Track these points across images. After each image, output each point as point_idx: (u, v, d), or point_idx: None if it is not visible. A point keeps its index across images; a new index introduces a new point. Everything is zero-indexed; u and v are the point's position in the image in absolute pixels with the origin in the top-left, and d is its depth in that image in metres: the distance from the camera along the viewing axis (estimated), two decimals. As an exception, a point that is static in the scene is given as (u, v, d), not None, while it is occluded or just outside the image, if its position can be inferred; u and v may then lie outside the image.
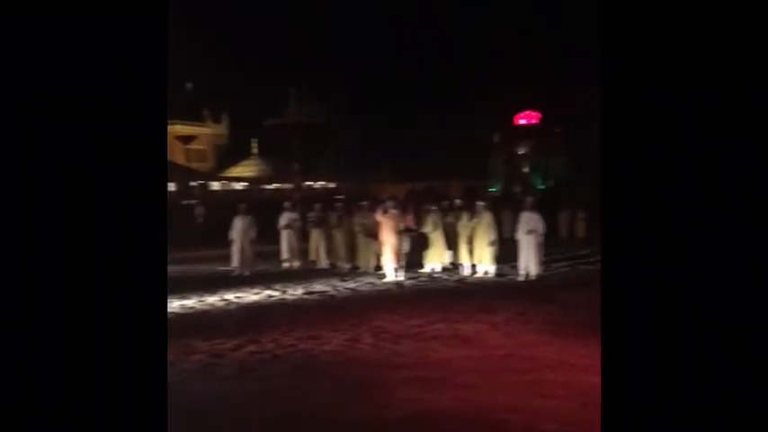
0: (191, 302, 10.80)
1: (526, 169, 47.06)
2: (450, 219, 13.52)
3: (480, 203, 13.36)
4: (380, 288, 11.72)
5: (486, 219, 12.80)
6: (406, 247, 13.52)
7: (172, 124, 49.51)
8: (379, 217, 12.93)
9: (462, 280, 12.47)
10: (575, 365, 6.05)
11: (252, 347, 7.31)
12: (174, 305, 10.60)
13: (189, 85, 53.20)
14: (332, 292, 11.35)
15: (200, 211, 27.35)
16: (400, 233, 12.77)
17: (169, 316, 9.79)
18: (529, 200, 13.03)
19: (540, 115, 47.80)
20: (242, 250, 14.17)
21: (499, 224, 13.49)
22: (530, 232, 12.05)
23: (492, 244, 12.58)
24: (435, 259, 13.66)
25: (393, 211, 12.86)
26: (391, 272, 12.57)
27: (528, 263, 12.10)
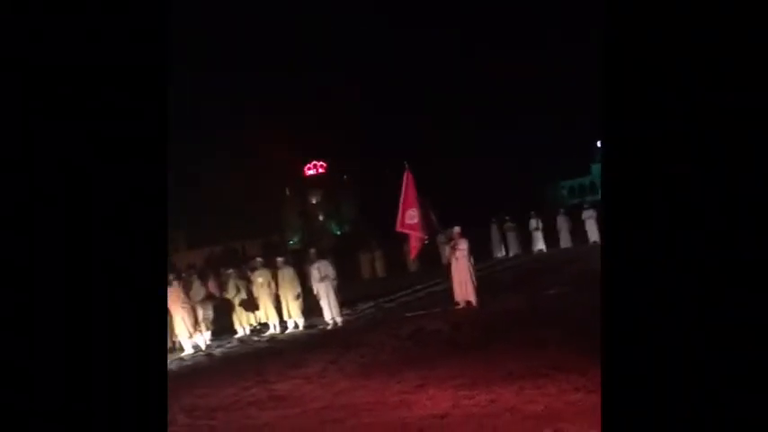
0: None
1: (321, 218, 48.06)
2: (253, 278, 13.41)
3: (280, 259, 13.45)
4: (189, 363, 11.29)
5: (289, 273, 12.89)
6: (210, 314, 13.20)
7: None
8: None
9: (273, 338, 12.39)
10: (388, 403, 6.27)
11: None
12: None
13: None
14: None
15: None
16: (188, 303, 12.50)
17: None
18: (312, 251, 13.53)
19: (326, 164, 49.24)
20: None
21: (302, 276, 13.64)
22: (323, 279, 12.32)
23: (298, 297, 12.68)
24: (243, 322, 13.46)
25: (174, 284, 12.57)
26: (188, 344, 12.23)
27: (331, 310, 12.34)
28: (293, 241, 41.61)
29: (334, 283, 12.45)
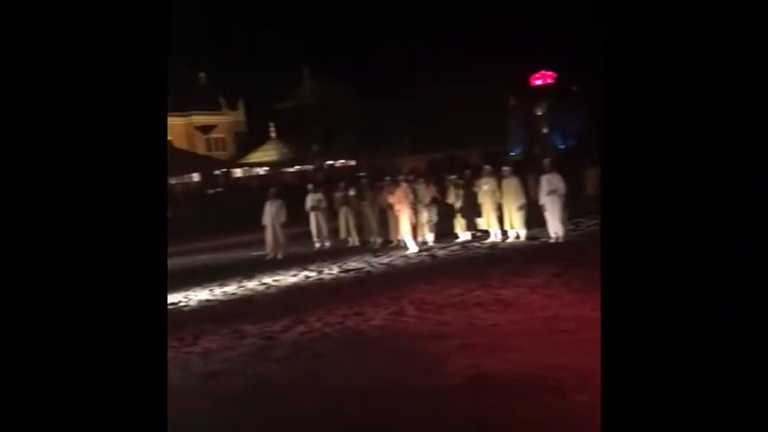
0: (231, 288, 11.04)
1: (545, 130, 46.74)
2: (479, 186, 13.55)
3: (506, 168, 13.41)
4: (414, 261, 11.87)
5: (514, 183, 12.86)
6: (434, 217, 13.69)
7: (189, 115, 49.88)
8: (390, 191, 13.25)
9: (494, 246, 12.57)
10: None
11: (300, 328, 7.52)
12: (216, 292, 10.86)
13: (202, 75, 53.28)
14: (367, 269, 11.53)
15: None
16: (417, 204, 12.99)
17: (214, 303, 10.06)
18: (546, 161, 13.05)
19: (555, 75, 47.33)
20: (274, 234, 14.40)
21: (525, 187, 13.53)
22: (550, 193, 12.08)
23: (521, 208, 12.65)
24: (464, 228, 13.77)
25: (404, 185, 13.05)
26: (412, 243, 12.77)
27: (554, 224, 12.16)
28: (515, 153, 41.14)
29: (563, 197, 12.22)
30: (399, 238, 13.32)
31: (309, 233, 15.48)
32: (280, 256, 14.18)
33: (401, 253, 12.80)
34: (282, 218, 14.40)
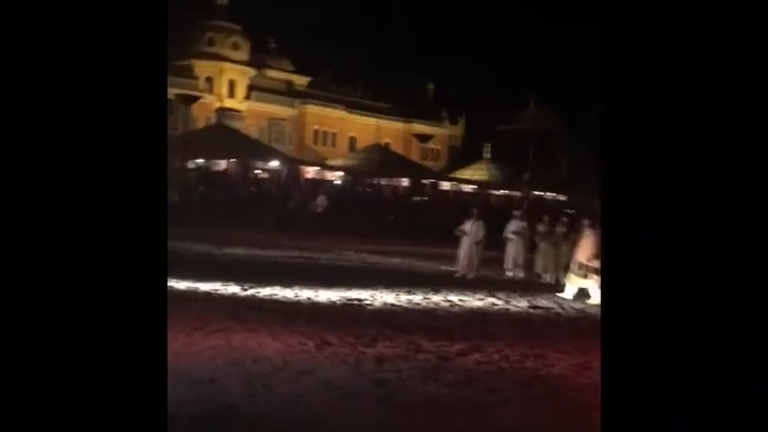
0: (417, 298, 11.03)
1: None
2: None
3: None
4: (610, 313, 11.08)
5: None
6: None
7: (410, 122, 51.56)
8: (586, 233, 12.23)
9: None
10: None
11: (477, 356, 7.26)
12: (402, 298, 10.90)
13: (430, 86, 54.79)
14: (557, 310, 10.97)
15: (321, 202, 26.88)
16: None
17: (397, 308, 10.10)
18: None
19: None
20: (469, 254, 14.23)
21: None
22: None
23: None
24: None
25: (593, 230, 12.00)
26: (597, 293, 11.79)
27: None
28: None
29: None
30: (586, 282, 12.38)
31: (502, 260, 15.13)
32: (470, 276, 13.98)
33: (597, 302, 12.02)
34: (480, 238, 14.19)
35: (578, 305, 11.57)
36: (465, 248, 14.29)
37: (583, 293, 11.95)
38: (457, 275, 14.09)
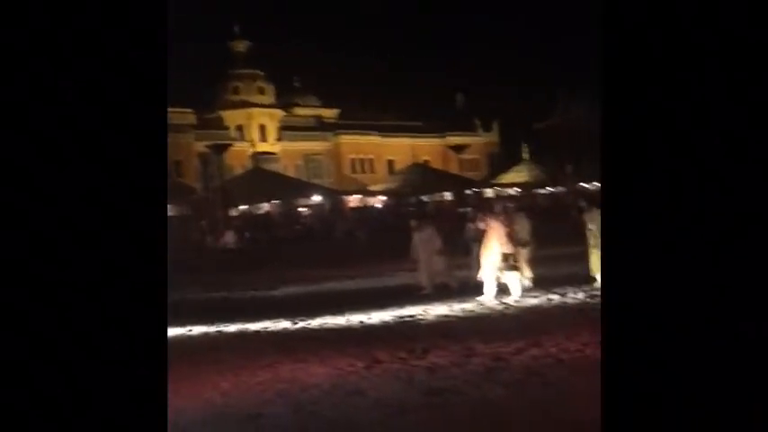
0: (470, 306, 10.74)
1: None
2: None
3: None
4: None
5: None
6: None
7: (444, 136, 51.45)
8: None
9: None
10: None
11: (534, 351, 6.98)
12: (455, 308, 10.60)
13: (459, 96, 54.66)
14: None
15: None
16: None
17: (451, 318, 9.83)
18: None
19: None
20: (429, 266, 12.97)
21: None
22: None
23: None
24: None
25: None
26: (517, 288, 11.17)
27: None
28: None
29: None
30: None
31: (556, 257, 14.67)
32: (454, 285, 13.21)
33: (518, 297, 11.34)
34: (440, 247, 13.00)
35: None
36: (424, 261, 12.94)
37: (503, 290, 11.21)
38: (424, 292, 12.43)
